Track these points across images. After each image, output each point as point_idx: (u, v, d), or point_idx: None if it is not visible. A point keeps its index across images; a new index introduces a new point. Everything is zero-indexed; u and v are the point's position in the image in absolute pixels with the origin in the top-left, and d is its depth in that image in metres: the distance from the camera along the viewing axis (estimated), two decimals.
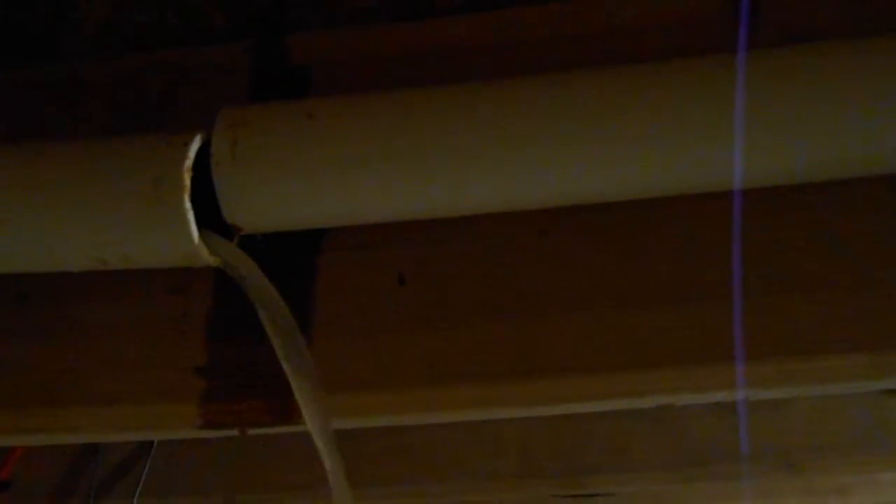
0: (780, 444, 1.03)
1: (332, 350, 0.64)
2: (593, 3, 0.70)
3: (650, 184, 0.58)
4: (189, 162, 0.54)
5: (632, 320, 0.61)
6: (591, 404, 0.61)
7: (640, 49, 0.69)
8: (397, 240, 0.66)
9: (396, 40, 0.74)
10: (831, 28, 0.64)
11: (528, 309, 0.63)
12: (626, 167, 0.56)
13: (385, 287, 0.65)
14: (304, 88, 0.74)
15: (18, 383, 0.67)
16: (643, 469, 1.11)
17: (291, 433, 0.64)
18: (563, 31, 0.72)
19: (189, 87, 0.76)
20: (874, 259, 0.61)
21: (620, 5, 0.71)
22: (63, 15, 0.77)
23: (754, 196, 0.62)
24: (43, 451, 1.22)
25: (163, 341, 0.66)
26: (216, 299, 0.68)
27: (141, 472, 1.30)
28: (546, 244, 0.64)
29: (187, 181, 0.54)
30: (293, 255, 0.67)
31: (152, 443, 1.22)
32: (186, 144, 0.55)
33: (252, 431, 0.64)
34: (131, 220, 0.55)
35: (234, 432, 0.64)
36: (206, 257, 0.56)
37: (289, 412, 0.63)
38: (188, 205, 0.53)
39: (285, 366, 0.57)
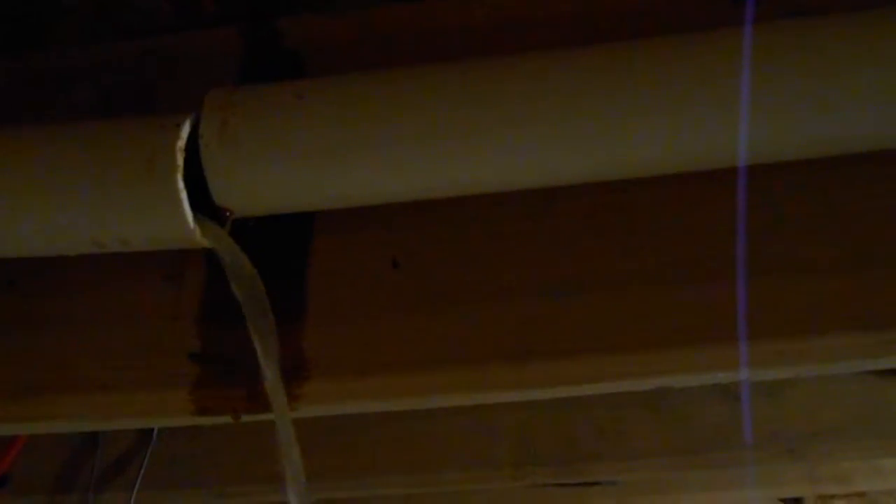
0: (782, 431, 1.02)
1: (325, 334, 0.63)
2: None
3: (652, 161, 0.57)
4: (182, 142, 0.54)
5: (628, 302, 0.61)
6: (587, 387, 0.60)
7: (642, 25, 0.68)
8: (391, 222, 0.66)
9: (390, 23, 0.73)
10: (833, 3, 0.63)
11: (523, 291, 0.62)
12: (627, 143, 0.55)
13: (379, 270, 0.65)
14: (296, 72, 0.73)
15: (11, 371, 0.67)
16: (644, 456, 1.10)
17: None
18: (560, 10, 0.71)
19: (181, 71, 0.75)
20: (875, 237, 0.60)
21: None
22: (55, 1, 0.76)
23: (754, 175, 0.61)
24: (42, 444, 1.22)
25: (156, 328, 0.66)
26: (208, 286, 0.67)
27: (140, 465, 1.30)
28: (542, 226, 0.64)
29: (180, 161, 0.53)
30: (286, 239, 0.67)
31: (151, 436, 1.22)
32: (178, 125, 0.54)
33: (246, 418, 0.63)
34: (126, 202, 0.54)
35: (228, 419, 0.63)
36: (199, 238, 0.56)
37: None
38: (181, 184, 0.53)
39: (259, 349, 0.57)
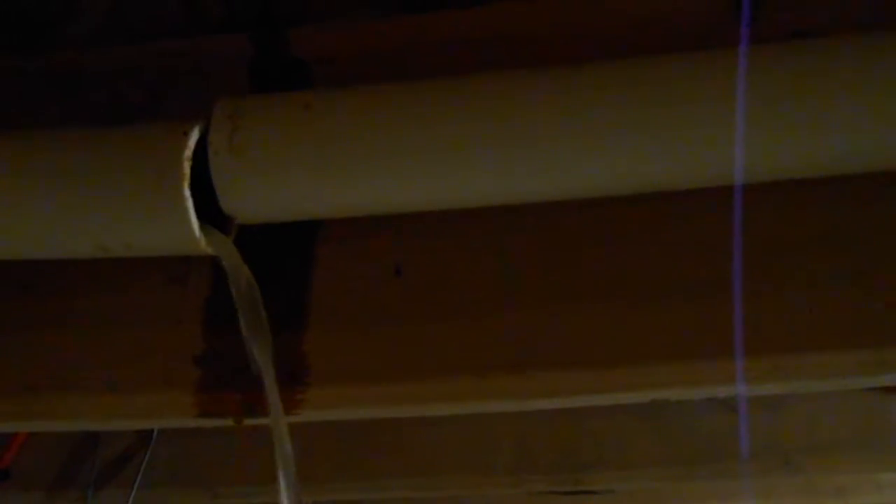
0: (780, 443, 1.03)
1: (328, 340, 0.64)
2: None
3: (652, 177, 0.57)
4: (189, 151, 0.54)
5: (628, 315, 0.61)
6: (586, 398, 0.61)
7: (644, 43, 0.68)
8: (395, 231, 0.66)
9: (397, 34, 0.74)
10: (832, 25, 0.64)
11: (525, 303, 0.63)
12: (626, 159, 0.55)
13: (382, 278, 0.65)
14: (303, 80, 0.74)
15: (19, 371, 0.67)
16: (641, 466, 1.11)
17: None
18: (565, 24, 0.71)
19: (189, 76, 0.76)
20: (874, 255, 0.61)
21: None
22: (67, 4, 0.77)
23: (755, 192, 0.61)
24: (43, 441, 1.23)
25: (161, 330, 0.67)
26: (213, 289, 0.68)
27: (140, 464, 1.31)
28: (542, 238, 0.64)
29: (186, 170, 0.54)
30: (290, 245, 0.67)
31: (151, 435, 1.22)
32: (186, 134, 0.55)
33: (248, 422, 0.64)
34: (132, 208, 0.55)
35: (230, 422, 0.64)
36: (204, 246, 0.56)
37: (286, 403, 0.63)
38: (188, 193, 0.54)
39: (255, 354, 0.58)
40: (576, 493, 1.22)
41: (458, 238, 0.65)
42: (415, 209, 0.59)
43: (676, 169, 0.56)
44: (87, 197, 0.57)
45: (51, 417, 0.67)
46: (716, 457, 1.08)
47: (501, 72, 0.58)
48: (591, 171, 0.55)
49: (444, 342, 0.63)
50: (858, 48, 0.54)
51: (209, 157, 0.56)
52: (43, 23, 0.78)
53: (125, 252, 0.60)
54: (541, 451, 1.11)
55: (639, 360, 0.60)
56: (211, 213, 0.58)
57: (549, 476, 1.07)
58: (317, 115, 0.55)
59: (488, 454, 1.10)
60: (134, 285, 0.69)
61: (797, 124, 0.54)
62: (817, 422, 1.04)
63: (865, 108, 0.53)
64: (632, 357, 0.60)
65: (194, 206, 0.55)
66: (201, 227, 0.56)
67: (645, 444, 1.12)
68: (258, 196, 0.56)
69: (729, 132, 0.53)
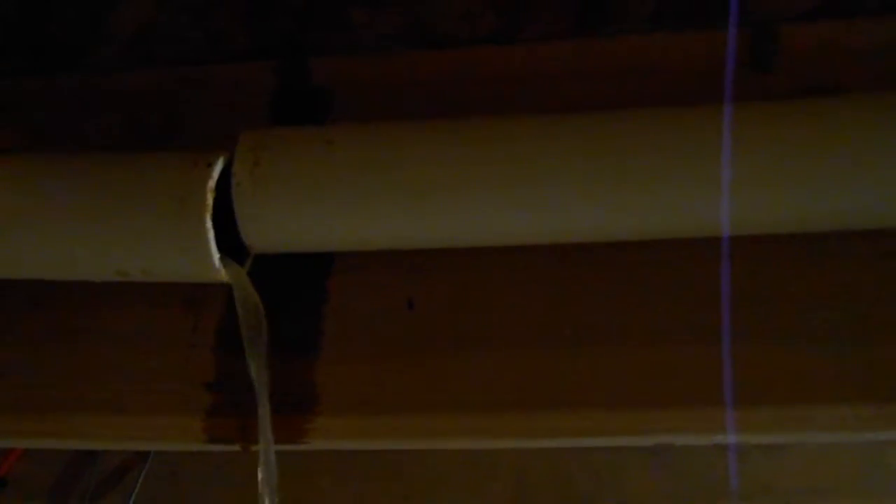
0: (780, 485, 1.03)
1: (339, 371, 0.65)
2: (614, 42, 0.72)
3: (661, 225, 0.59)
4: (212, 182, 0.55)
5: (635, 358, 0.62)
6: (592, 440, 0.61)
7: (652, 90, 0.70)
8: (408, 264, 0.67)
9: (417, 67, 0.75)
10: (847, 79, 0.65)
11: (535, 342, 0.63)
12: (622, 209, 0.57)
13: (394, 311, 0.66)
14: (324, 110, 0.75)
15: (28, 388, 0.68)
16: (639, 500, 1.11)
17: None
18: (578, 67, 0.73)
19: (211, 102, 0.78)
20: (874, 309, 0.61)
21: (633, 46, 0.72)
22: (92, 27, 0.79)
23: (757, 242, 0.63)
24: (41, 451, 1.23)
25: (172, 353, 0.67)
26: (227, 314, 0.69)
27: (137, 477, 1.31)
28: (554, 278, 0.65)
29: (209, 201, 0.55)
30: (304, 274, 0.68)
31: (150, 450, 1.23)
32: (210, 165, 0.56)
33: (255, 448, 0.65)
34: (153, 236, 0.56)
35: (237, 448, 0.65)
36: (223, 276, 0.57)
37: (292, 431, 0.64)
38: (209, 224, 0.55)
39: (254, 380, 0.60)
40: None
41: (470, 273, 0.66)
42: (435, 246, 0.60)
43: (682, 217, 0.58)
44: (108, 223, 0.58)
45: (58, 437, 0.67)
46: (715, 495, 1.08)
47: (528, 115, 0.59)
48: (608, 215, 0.56)
49: (454, 377, 0.63)
50: (849, 108, 0.56)
51: (232, 188, 0.57)
52: (69, 47, 0.79)
53: (143, 277, 0.61)
54: (539, 482, 1.11)
55: (644, 404, 0.60)
56: (226, 241, 0.59)
57: None
58: (339, 152, 0.56)
59: (487, 483, 1.11)
60: (146, 306, 0.70)
61: (779, 181, 0.55)
62: (817, 464, 1.05)
63: (854, 169, 0.54)
64: (638, 401, 0.60)
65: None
66: (219, 258, 0.57)
67: (643, 477, 1.12)
68: (279, 228, 0.57)
69: (719, 186, 0.55)
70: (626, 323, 0.63)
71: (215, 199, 0.58)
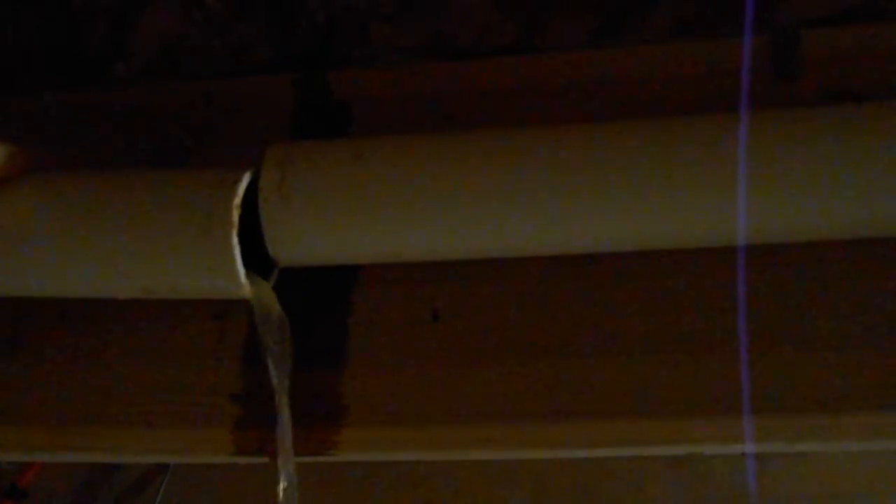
0: (803, 491, 1.02)
1: (364, 382, 0.65)
2: (636, 52, 0.72)
3: (686, 234, 0.59)
4: (238, 199, 0.56)
5: (664, 367, 0.62)
6: (618, 450, 0.61)
7: (673, 98, 0.70)
8: (432, 276, 0.67)
9: (438, 79, 0.75)
10: (871, 87, 0.65)
11: (560, 352, 0.63)
12: (653, 219, 0.57)
13: (419, 322, 0.66)
14: (345, 123, 0.75)
15: (56, 402, 0.69)
16: None
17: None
18: (601, 76, 0.73)
19: (233, 116, 0.78)
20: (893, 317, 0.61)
21: (655, 55, 0.72)
22: (117, 44, 0.80)
23: (785, 249, 0.62)
24: (62, 463, 1.24)
25: (200, 366, 0.68)
26: (252, 326, 0.69)
27: (159, 487, 1.31)
28: (581, 287, 0.65)
29: (235, 218, 0.55)
30: (330, 286, 0.68)
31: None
32: (236, 182, 0.56)
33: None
34: (179, 254, 0.56)
35: (265, 459, 0.65)
36: (248, 293, 0.58)
37: (319, 443, 0.64)
38: (235, 241, 0.55)
39: (278, 398, 0.60)
40: None
41: (496, 285, 0.66)
42: (462, 258, 0.60)
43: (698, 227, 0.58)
44: (134, 241, 0.58)
45: (86, 450, 0.67)
46: (736, 500, 1.08)
47: (554, 126, 0.59)
48: (631, 225, 0.56)
49: (479, 388, 0.63)
50: (865, 117, 0.56)
51: (259, 203, 0.58)
52: (93, 61, 0.80)
53: (169, 295, 0.61)
54: (559, 488, 1.11)
55: (674, 413, 0.60)
56: (250, 252, 0.60)
57: None
58: (368, 166, 0.57)
59: (506, 489, 1.11)
60: (173, 320, 0.70)
61: (795, 190, 0.55)
62: (840, 471, 1.04)
63: (869, 175, 0.54)
64: (668, 410, 0.60)
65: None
66: (246, 274, 0.58)
67: (664, 484, 1.12)
68: (307, 242, 0.58)
69: (735, 195, 0.54)
70: (652, 332, 0.63)
71: (240, 212, 0.58)
